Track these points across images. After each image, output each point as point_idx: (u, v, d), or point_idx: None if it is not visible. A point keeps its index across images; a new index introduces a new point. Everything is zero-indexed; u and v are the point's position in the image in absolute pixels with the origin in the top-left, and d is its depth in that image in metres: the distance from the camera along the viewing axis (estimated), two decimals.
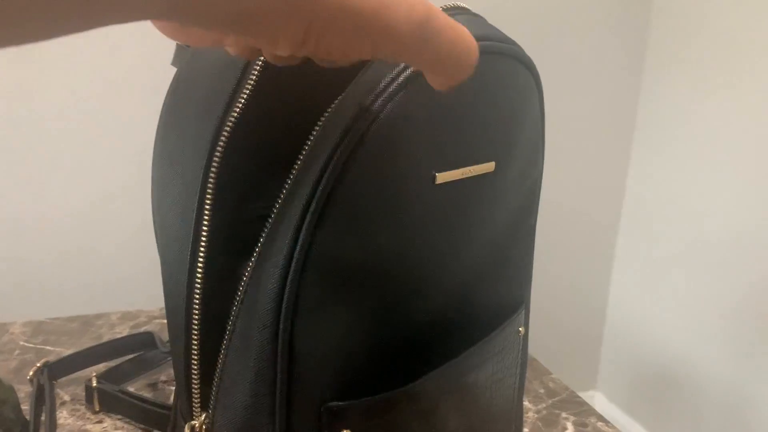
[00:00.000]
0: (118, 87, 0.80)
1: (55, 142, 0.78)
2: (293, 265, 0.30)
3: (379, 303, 0.32)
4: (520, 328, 0.42)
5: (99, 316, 0.73)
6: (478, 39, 0.31)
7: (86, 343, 0.67)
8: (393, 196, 0.31)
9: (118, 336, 0.68)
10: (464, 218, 0.35)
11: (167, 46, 0.83)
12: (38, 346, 0.67)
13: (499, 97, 0.34)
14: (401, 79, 0.29)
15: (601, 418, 0.59)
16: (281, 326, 0.30)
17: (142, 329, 0.70)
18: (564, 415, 0.59)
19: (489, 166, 0.35)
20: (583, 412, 0.60)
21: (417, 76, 0.30)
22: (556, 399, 0.61)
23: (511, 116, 0.35)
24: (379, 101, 0.29)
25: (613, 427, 0.57)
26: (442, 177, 0.33)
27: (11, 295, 0.77)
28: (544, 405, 0.61)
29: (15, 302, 0.77)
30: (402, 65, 0.30)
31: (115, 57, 0.79)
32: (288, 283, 0.30)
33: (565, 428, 0.57)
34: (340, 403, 0.31)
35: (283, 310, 0.30)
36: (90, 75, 0.78)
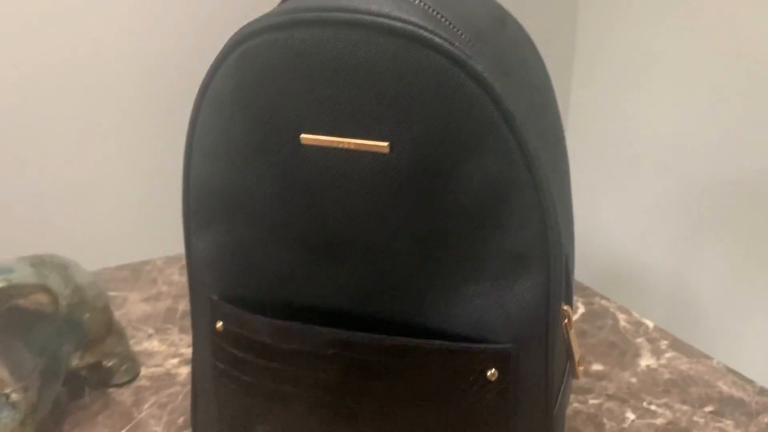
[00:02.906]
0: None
1: (93, 93, 0.82)
2: (186, 186, 0.41)
3: (233, 229, 0.39)
4: (490, 372, 0.35)
5: (145, 263, 0.79)
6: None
7: (144, 286, 0.74)
8: (232, 130, 0.36)
9: (171, 278, 0.75)
10: (343, 196, 0.35)
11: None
12: None
13: (385, 75, 0.32)
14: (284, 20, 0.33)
15: (603, 296, 0.71)
16: (189, 234, 0.42)
17: None
18: (574, 298, 0.71)
19: (379, 145, 0.33)
20: (588, 294, 0.72)
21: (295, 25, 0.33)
22: None
23: (406, 99, 0.32)
24: (254, 35, 0.34)
25: (614, 302, 0.70)
26: (308, 139, 0.34)
27: (51, 250, 0.82)
28: None
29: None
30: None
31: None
32: (187, 204, 0.41)
33: (578, 308, 0.69)
34: (214, 297, 0.40)
35: (188, 223, 0.41)
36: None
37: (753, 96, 0.80)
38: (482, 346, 0.36)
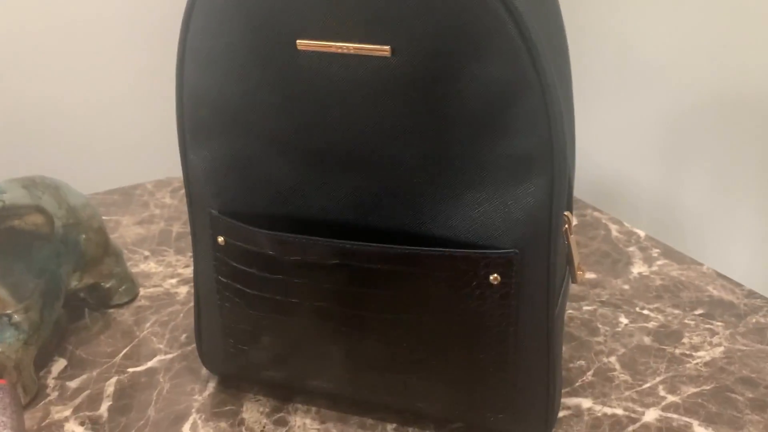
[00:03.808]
0: None
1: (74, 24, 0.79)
2: (180, 99, 0.39)
3: (230, 142, 0.38)
4: (493, 276, 0.36)
5: (134, 187, 0.78)
6: None
7: (136, 210, 0.73)
8: (227, 35, 0.35)
9: (163, 201, 0.75)
10: (345, 101, 0.34)
11: None
12: None
13: None
14: None
15: (595, 208, 0.71)
16: (184, 149, 0.40)
17: (182, 192, 0.77)
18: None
19: (380, 49, 0.32)
20: (580, 206, 0.72)
21: None
22: None
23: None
24: None
25: (606, 213, 0.70)
26: (304, 44, 0.33)
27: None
28: None
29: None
30: None
31: None
32: (181, 118, 0.40)
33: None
34: (214, 211, 0.40)
35: (183, 137, 0.40)
36: None
37: (740, 15, 0.79)
38: (484, 251, 0.36)
